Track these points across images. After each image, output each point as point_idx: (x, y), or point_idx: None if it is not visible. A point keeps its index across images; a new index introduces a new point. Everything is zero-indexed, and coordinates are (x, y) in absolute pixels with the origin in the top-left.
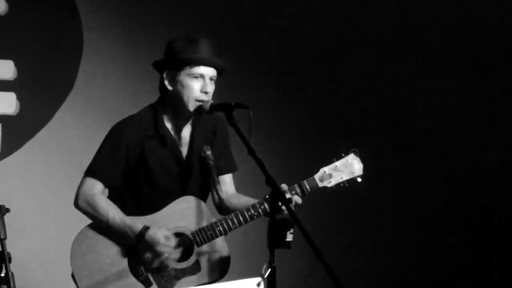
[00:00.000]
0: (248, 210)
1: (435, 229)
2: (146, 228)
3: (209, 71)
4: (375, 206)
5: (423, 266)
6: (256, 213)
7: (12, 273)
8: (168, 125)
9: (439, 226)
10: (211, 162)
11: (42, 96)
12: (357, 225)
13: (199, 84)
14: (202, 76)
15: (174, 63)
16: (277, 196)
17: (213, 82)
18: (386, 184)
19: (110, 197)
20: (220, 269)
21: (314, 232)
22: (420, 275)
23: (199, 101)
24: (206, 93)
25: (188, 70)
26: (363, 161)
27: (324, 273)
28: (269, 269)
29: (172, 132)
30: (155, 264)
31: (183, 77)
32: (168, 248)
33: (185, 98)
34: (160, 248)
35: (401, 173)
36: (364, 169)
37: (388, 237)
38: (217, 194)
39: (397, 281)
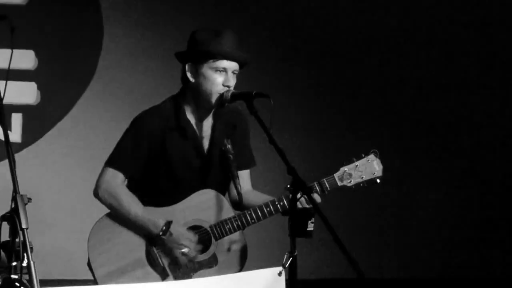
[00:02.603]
0: (267, 205)
1: (440, 227)
2: (169, 223)
3: (232, 65)
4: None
5: (429, 263)
6: (274, 209)
7: (34, 263)
8: (190, 117)
9: (445, 224)
10: (231, 156)
11: (62, 86)
12: (366, 222)
13: (222, 77)
14: (225, 69)
15: (197, 55)
16: (298, 185)
17: (235, 75)
18: (397, 183)
19: (129, 187)
20: (237, 263)
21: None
22: (427, 270)
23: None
24: (228, 87)
25: (211, 63)
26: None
27: (343, 262)
28: (290, 258)
29: (193, 125)
30: (177, 259)
31: (206, 70)
32: (189, 242)
33: (207, 91)
34: (181, 245)
35: (410, 172)
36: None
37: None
38: (236, 189)
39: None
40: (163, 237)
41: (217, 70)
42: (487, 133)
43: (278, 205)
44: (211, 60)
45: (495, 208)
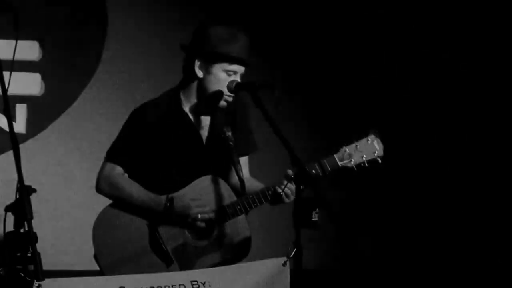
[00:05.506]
0: (269, 188)
1: (444, 221)
2: (171, 198)
3: (242, 69)
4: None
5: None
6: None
7: (38, 253)
8: (188, 109)
9: (448, 218)
10: (231, 144)
11: (67, 77)
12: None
13: (230, 78)
14: (235, 73)
15: (214, 55)
16: (302, 176)
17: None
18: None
19: (131, 177)
20: (242, 247)
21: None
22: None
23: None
24: None
25: (225, 66)
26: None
27: (349, 253)
28: (295, 249)
29: (191, 117)
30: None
31: (218, 70)
32: (201, 205)
33: (214, 90)
34: (193, 209)
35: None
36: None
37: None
38: (238, 176)
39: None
40: (168, 212)
41: (228, 72)
42: (493, 129)
43: (280, 189)
44: (226, 64)
45: (499, 204)
